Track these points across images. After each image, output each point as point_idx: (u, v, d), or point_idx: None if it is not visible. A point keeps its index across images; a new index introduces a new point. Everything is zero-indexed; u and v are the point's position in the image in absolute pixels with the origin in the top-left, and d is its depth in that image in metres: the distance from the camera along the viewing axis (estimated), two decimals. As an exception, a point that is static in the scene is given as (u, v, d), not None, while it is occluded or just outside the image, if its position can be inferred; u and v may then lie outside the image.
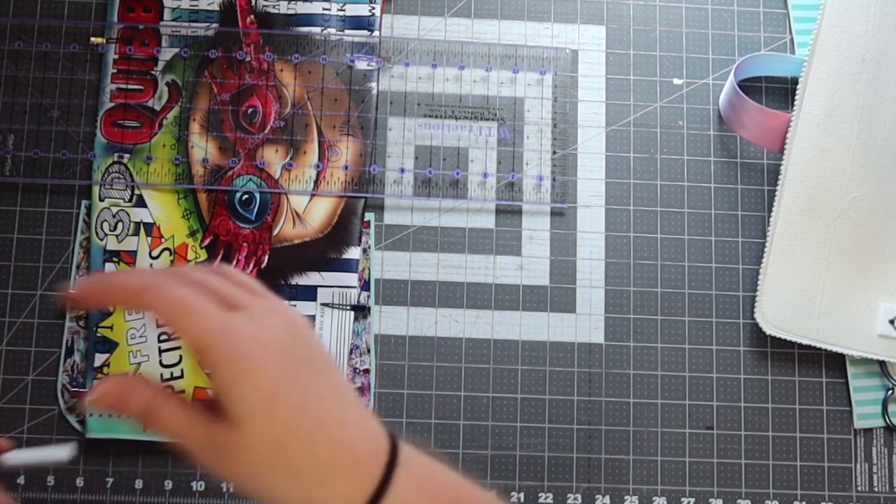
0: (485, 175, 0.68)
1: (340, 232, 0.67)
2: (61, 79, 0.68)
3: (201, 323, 0.36)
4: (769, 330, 0.66)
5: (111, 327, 0.65)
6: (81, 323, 0.66)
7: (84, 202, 0.67)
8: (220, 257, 0.66)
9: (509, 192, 0.68)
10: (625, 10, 0.71)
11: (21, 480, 0.64)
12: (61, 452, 0.45)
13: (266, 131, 0.68)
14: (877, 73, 0.66)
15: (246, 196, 0.67)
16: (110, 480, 0.64)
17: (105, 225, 0.66)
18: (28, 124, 0.68)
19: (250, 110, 0.68)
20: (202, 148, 0.67)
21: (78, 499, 0.64)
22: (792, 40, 0.71)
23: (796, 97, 0.66)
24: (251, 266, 0.66)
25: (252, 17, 0.69)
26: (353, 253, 0.67)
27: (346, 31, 0.69)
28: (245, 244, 0.66)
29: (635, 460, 0.66)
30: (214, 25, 0.69)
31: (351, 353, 0.66)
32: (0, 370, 0.65)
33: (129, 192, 0.67)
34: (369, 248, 0.67)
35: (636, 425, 0.66)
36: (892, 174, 0.66)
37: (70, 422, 0.65)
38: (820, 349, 0.66)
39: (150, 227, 0.66)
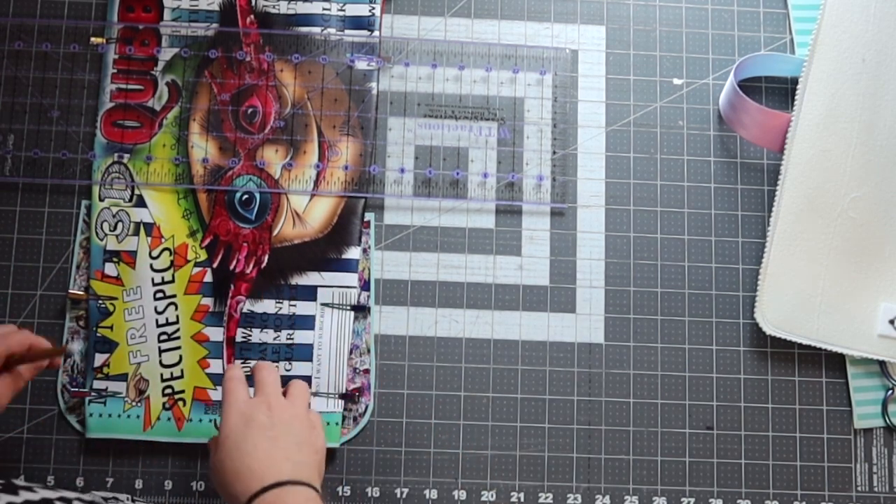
0: (485, 175, 0.68)
1: (340, 232, 0.67)
2: (61, 79, 0.68)
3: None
4: (769, 330, 0.66)
5: (111, 327, 0.65)
6: (81, 323, 0.66)
7: (84, 202, 0.67)
8: (220, 257, 0.66)
9: (509, 192, 0.68)
10: (625, 10, 0.71)
11: (21, 480, 0.64)
12: None
13: (266, 131, 0.68)
14: (877, 73, 0.66)
15: (246, 196, 0.67)
16: (110, 480, 0.64)
17: (105, 225, 0.66)
18: (28, 124, 0.68)
19: (250, 110, 0.68)
20: (202, 148, 0.67)
21: (78, 499, 0.64)
22: (792, 40, 0.71)
23: (796, 97, 0.66)
24: (251, 266, 0.66)
25: (252, 17, 0.69)
26: (353, 253, 0.67)
27: (346, 31, 0.69)
28: (245, 244, 0.66)
29: (635, 460, 0.66)
30: (214, 25, 0.69)
31: (351, 353, 0.66)
32: (0, 370, 0.65)
33: (129, 192, 0.67)
34: (369, 248, 0.67)
35: (636, 425, 0.66)
36: (892, 174, 0.66)
37: (70, 422, 0.65)
38: (820, 349, 0.66)
39: (150, 227, 0.66)
